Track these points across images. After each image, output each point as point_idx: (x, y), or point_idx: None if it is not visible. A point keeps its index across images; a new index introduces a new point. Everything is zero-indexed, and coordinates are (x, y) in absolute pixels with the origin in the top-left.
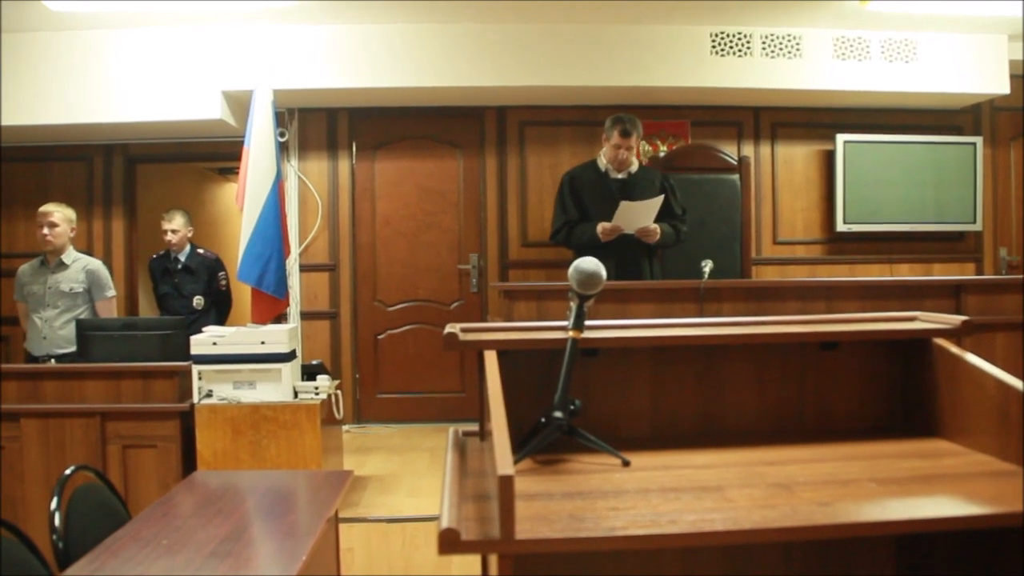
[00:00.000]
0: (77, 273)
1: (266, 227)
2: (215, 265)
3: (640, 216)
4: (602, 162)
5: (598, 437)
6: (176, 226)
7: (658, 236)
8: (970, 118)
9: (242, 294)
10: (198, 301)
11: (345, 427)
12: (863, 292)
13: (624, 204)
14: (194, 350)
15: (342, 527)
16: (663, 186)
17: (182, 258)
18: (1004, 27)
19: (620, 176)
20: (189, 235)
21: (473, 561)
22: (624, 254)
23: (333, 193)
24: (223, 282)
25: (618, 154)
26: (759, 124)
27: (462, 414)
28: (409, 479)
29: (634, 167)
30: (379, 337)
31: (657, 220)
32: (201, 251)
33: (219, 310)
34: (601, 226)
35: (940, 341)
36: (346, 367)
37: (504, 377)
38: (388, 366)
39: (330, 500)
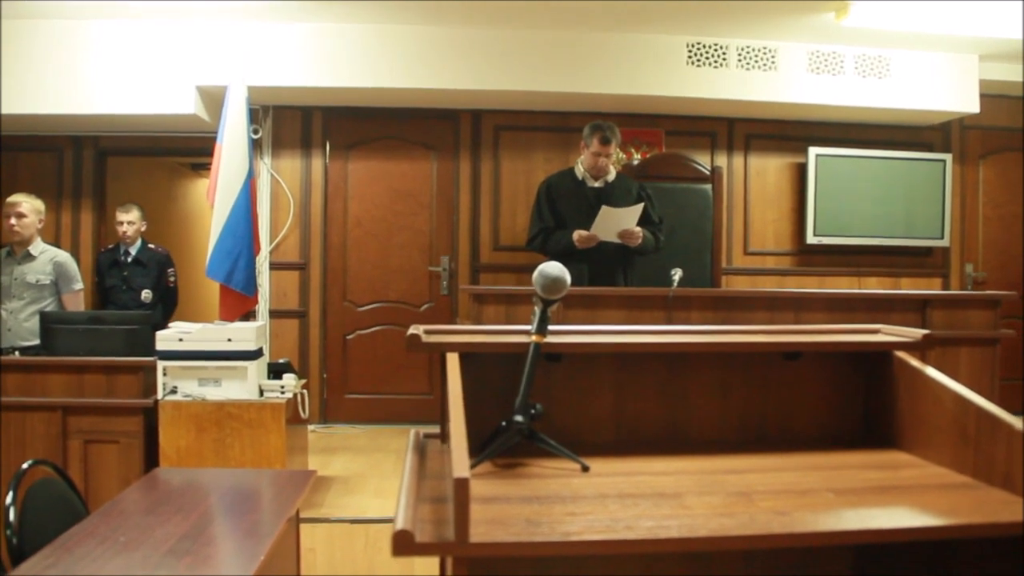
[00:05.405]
0: (44, 265)
1: (236, 224)
2: (165, 261)
3: (619, 224)
4: (579, 170)
5: (560, 442)
6: (132, 218)
7: (640, 240)
8: (940, 135)
9: (208, 291)
10: (146, 295)
11: (311, 427)
12: (831, 304)
13: (605, 209)
14: (160, 346)
15: (305, 527)
16: (640, 194)
17: (133, 251)
18: (976, 47)
19: (597, 184)
20: (143, 230)
21: (436, 563)
22: (599, 262)
23: (305, 192)
24: (172, 278)
25: (597, 161)
26: (733, 135)
27: (430, 416)
28: (374, 480)
29: (611, 175)
30: (348, 337)
31: None
32: (152, 246)
33: (165, 306)
34: (578, 234)
35: (901, 354)
36: (314, 367)
37: (468, 380)
38: (356, 366)
39: (292, 500)
